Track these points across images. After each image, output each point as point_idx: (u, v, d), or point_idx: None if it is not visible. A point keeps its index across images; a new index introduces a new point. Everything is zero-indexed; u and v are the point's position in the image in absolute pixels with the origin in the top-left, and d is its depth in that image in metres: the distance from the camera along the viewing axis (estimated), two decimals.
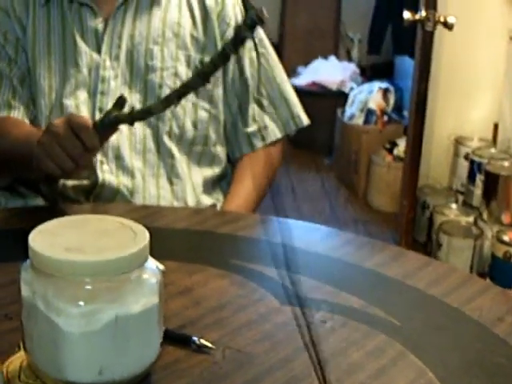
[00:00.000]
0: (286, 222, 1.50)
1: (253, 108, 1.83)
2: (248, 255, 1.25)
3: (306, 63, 5.14)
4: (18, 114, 1.72)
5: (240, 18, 1.81)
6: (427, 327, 1.12)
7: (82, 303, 0.82)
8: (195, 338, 1.01)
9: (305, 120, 1.88)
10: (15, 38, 1.74)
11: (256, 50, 1.84)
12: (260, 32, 1.85)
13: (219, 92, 1.78)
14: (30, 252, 0.84)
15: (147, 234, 0.87)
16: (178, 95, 1.28)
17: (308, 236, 1.44)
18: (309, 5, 5.49)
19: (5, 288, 1.17)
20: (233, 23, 1.78)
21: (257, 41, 1.83)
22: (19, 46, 1.74)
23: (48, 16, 1.74)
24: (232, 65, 1.79)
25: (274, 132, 1.85)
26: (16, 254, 1.27)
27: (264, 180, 1.84)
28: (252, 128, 1.83)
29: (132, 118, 1.34)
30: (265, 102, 1.84)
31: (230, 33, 1.77)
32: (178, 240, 1.36)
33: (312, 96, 4.60)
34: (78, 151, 1.35)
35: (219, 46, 1.75)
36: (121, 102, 1.35)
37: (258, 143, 1.83)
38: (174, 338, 1.00)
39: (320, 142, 4.58)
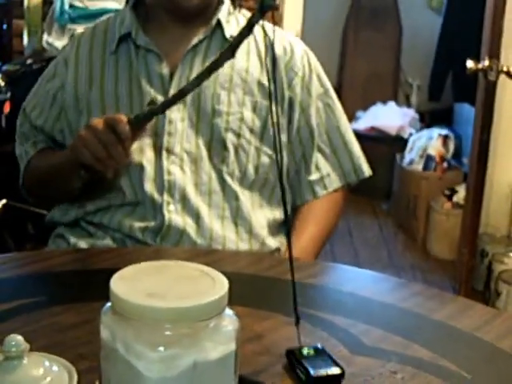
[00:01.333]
0: (353, 271, 1.51)
1: (316, 156, 1.84)
2: (316, 303, 1.25)
3: (365, 108, 5.16)
4: None
5: (307, 69, 1.83)
6: (498, 381, 1.11)
7: (161, 348, 0.83)
8: None
9: (367, 171, 1.89)
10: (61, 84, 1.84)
11: (322, 99, 1.86)
12: (326, 82, 1.88)
13: (283, 139, 1.79)
14: (111, 296, 0.85)
15: (226, 282, 0.88)
16: (209, 71, 1.43)
17: (376, 286, 1.44)
18: (368, 50, 5.52)
19: (77, 328, 1.19)
20: (300, 74, 1.81)
21: (323, 90, 1.86)
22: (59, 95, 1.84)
23: (116, 64, 1.78)
24: (298, 113, 1.81)
25: (336, 181, 1.86)
26: (86, 294, 1.30)
27: (326, 226, 1.85)
28: (314, 176, 1.84)
29: (163, 106, 1.54)
30: (327, 151, 1.85)
31: (296, 82, 1.80)
32: (246, 286, 1.37)
33: (371, 141, 4.61)
34: (111, 141, 1.54)
35: (286, 94, 1.78)
36: (152, 103, 1.61)
37: (320, 191, 1.85)
38: None
39: (378, 187, 4.58)
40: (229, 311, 0.89)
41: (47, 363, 0.83)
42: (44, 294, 1.32)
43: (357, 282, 1.44)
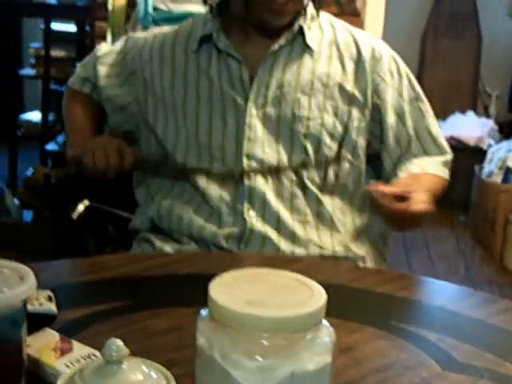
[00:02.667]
0: (441, 284, 1.49)
1: (410, 160, 1.83)
2: (407, 317, 1.23)
3: (444, 117, 5.09)
4: None
5: (396, 75, 1.81)
6: None
7: (259, 358, 0.82)
8: None
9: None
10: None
11: (413, 104, 1.84)
12: (417, 86, 1.85)
13: (361, 143, 1.78)
14: (209, 303, 0.85)
15: (324, 293, 0.87)
16: None
17: (464, 300, 1.42)
18: (447, 59, 5.46)
19: (166, 334, 1.19)
20: (387, 79, 1.79)
21: (414, 95, 1.84)
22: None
23: (198, 64, 1.78)
24: (394, 120, 1.79)
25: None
26: (174, 300, 1.30)
27: (437, 189, 1.81)
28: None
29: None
30: (420, 154, 1.83)
31: (382, 87, 1.78)
32: (335, 296, 1.35)
33: None
34: (114, 163, 1.72)
35: (369, 98, 1.76)
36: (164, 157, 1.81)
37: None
38: None
39: (456, 198, 4.51)
40: (325, 322, 0.88)
41: (145, 369, 0.83)
42: (131, 299, 1.32)
43: (445, 295, 1.42)
